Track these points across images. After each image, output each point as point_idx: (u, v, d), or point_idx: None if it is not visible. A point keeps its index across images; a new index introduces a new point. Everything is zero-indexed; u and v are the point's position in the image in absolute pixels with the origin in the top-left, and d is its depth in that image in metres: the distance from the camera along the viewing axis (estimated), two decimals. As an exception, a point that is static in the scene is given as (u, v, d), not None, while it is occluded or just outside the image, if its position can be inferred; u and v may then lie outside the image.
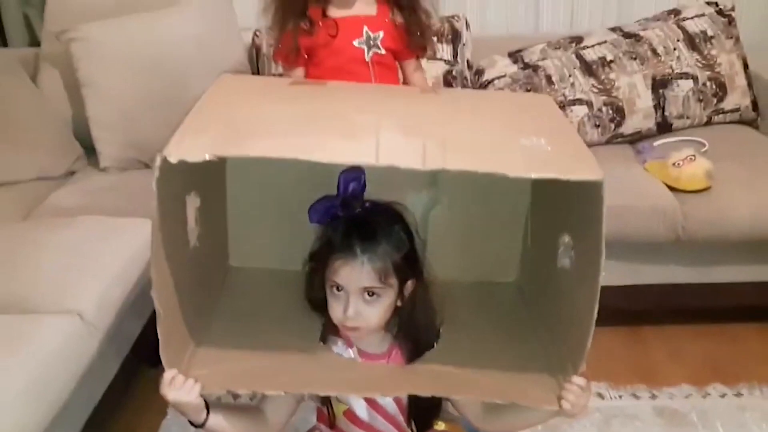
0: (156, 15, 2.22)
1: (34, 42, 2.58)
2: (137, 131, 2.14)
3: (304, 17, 1.59)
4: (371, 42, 1.59)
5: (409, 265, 1.16)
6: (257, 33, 2.40)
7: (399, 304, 1.17)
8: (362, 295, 1.11)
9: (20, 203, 2.00)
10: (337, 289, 1.12)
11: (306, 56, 1.61)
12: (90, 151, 2.24)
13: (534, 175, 0.98)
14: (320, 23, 1.58)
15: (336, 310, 1.13)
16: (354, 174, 1.12)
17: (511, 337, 1.28)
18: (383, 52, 1.61)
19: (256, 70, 2.37)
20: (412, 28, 1.60)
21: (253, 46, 2.40)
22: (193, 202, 1.17)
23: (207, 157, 0.93)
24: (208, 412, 1.07)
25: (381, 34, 1.60)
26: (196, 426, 1.08)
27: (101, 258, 1.64)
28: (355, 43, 1.58)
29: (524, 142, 1.04)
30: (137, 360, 1.86)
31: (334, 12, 1.60)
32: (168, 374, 1.03)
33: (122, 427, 1.78)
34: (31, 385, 1.28)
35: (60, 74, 2.28)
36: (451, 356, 1.19)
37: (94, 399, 1.60)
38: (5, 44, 2.59)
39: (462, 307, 1.33)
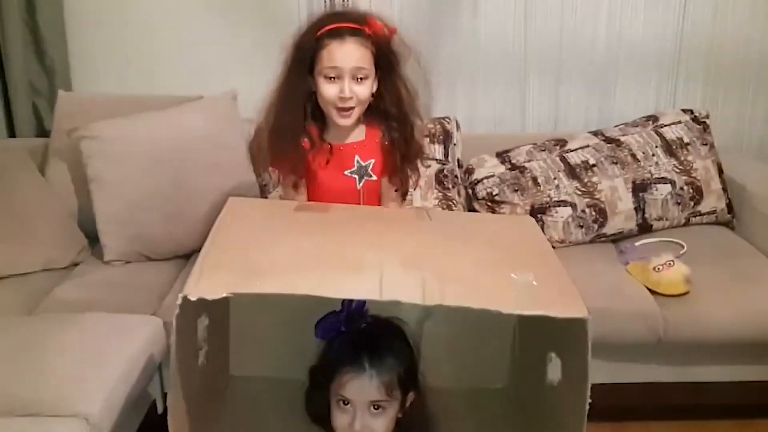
0: (164, 114, 2.33)
1: (42, 132, 2.67)
2: (142, 226, 2.22)
3: (305, 132, 1.55)
4: (362, 171, 1.56)
5: (410, 377, 1.23)
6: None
7: (400, 415, 1.24)
8: (369, 408, 1.18)
9: (26, 296, 2.04)
10: (344, 402, 1.19)
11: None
12: (93, 242, 2.31)
13: (525, 313, 1.06)
14: (317, 144, 1.54)
15: (342, 423, 1.19)
16: None
17: None
18: (375, 178, 1.57)
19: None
20: (401, 146, 1.55)
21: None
22: (202, 323, 1.24)
23: (224, 295, 1.01)
24: None
25: (372, 162, 1.56)
26: None
27: (106, 358, 1.69)
28: (347, 173, 1.55)
29: (514, 278, 1.13)
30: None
31: (328, 137, 1.57)
32: None
33: None
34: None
35: (68, 168, 2.36)
36: None
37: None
38: (13, 134, 2.67)
39: (454, 415, 1.40)
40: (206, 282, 1.05)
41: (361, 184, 1.56)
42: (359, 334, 1.22)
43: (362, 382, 1.17)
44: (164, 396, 2.08)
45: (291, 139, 1.52)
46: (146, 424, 1.95)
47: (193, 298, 1.02)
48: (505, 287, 1.12)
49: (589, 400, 1.11)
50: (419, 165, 1.63)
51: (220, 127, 2.36)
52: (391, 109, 1.53)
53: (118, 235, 2.23)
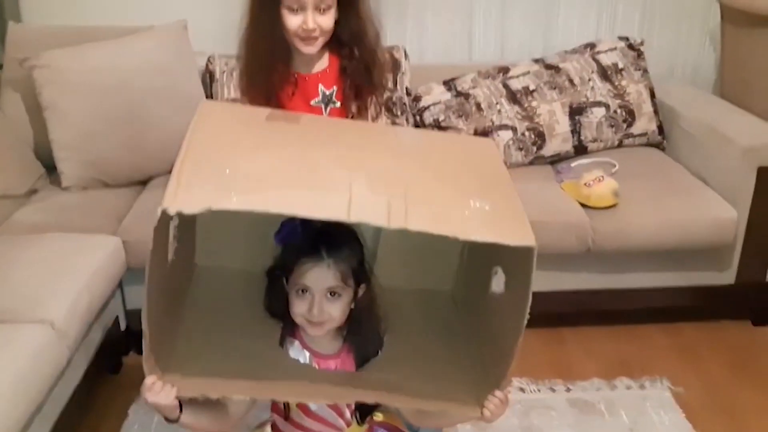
0: (116, 43, 2.37)
1: (-6, 65, 2.68)
2: (97, 152, 2.28)
3: (280, 64, 1.54)
4: (327, 99, 1.58)
5: (362, 270, 1.35)
6: (211, 59, 2.57)
7: (352, 306, 1.36)
8: (326, 295, 1.29)
9: (-14, 220, 2.12)
10: (303, 291, 1.30)
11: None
12: (51, 170, 2.37)
13: (480, 239, 1.12)
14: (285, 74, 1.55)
15: (301, 310, 1.30)
16: None
17: (445, 349, 1.43)
18: (339, 105, 1.59)
19: (210, 94, 2.53)
20: (361, 73, 1.56)
21: (207, 71, 2.56)
22: (173, 222, 1.29)
23: (202, 210, 1.07)
24: (180, 410, 1.21)
25: (335, 89, 1.58)
26: (170, 422, 1.23)
27: (69, 271, 1.79)
28: (312, 103, 1.57)
29: (472, 205, 1.20)
30: (99, 367, 2.01)
31: (294, 66, 1.57)
32: (148, 380, 1.17)
33: (86, 428, 1.92)
34: (12, 386, 1.43)
35: (21, 98, 2.40)
36: (392, 365, 1.36)
37: (61, 401, 1.74)
38: (-36, 68, 2.67)
39: (403, 315, 1.50)
40: (183, 195, 1.09)
41: (327, 112, 1.60)
42: (316, 231, 1.32)
43: (320, 270, 1.27)
44: (126, 313, 2.19)
45: (265, 69, 1.53)
46: (109, 340, 2.06)
47: (171, 212, 1.06)
48: (465, 213, 1.18)
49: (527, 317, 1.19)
50: (377, 97, 1.63)
51: (171, 56, 2.40)
52: (349, 36, 1.53)
53: (75, 161, 2.29)
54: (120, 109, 2.28)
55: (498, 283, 1.34)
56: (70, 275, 1.77)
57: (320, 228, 1.32)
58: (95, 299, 1.83)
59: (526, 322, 1.18)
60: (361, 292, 1.36)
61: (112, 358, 2.14)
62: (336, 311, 1.30)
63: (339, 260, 1.29)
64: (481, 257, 1.46)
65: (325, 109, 1.59)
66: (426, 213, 1.16)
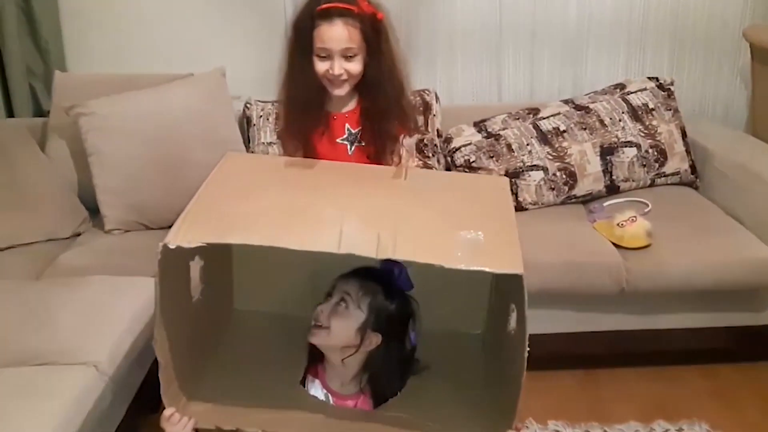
0: (157, 90, 2.45)
1: (38, 112, 2.79)
2: (139, 196, 2.36)
3: (320, 111, 1.62)
4: (353, 137, 1.65)
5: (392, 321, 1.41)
6: (248, 104, 2.65)
7: (357, 343, 1.39)
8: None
9: (32, 263, 2.18)
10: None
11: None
12: (93, 213, 2.44)
13: (465, 268, 1.17)
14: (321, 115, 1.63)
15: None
16: None
17: (467, 391, 1.46)
18: (363, 144, 1.65)
19: (246, 138, 2.60)
20: (381, 116, 1.61)
21: (244, 115, 2.64)
22: (197, 263, 1.38)
23: (201, 243, 1.18)
24: None
25: (360, 129, 1.65)
26: None
27: (111, 314, 1.84)
28: (338, 140, 1.64)
29: (463, 235, 1.26)
30: (140, 406, 2.04)
31: (329, 107, 1.64)
32: (167, 411, 1.24)
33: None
34: (58, 428, 1.47)
35: (67, 144, 2.49)
36: (411, 405, 1.39)
37: (104, 442, 1.78)
38: (11, 114, 2.78)
39: (429, 355, 1.53)
40: (184, 234, 1.21)
41: (352, 150, 1.66)
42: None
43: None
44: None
45: (299, 110, 1.60)
46: (150, 380, 2.09)
47: (172, 246, 1.18)
48: (453, 244, 1.24)
49: (528, 349, 1.21)
50: (401, 139, 1.66)
51: (209, 102, 2.49)
52: (374, 80, 1.59)
53: (117, 205, 2.36)
54: (161, 154, 2.35)
55: (513, 320, 1.37)
56: (112, 317, 1.82)
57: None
58: (137, 340, 1.87)
59: (526, 355, 1.20)
60: (376, 340, 1.39)
61: (152, 398, 2.16)
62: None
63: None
64: (503, 298, 1.48)
65: (351, 147, 1.65)
66: (414, 244, 1.22)
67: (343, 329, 1.37)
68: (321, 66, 1.54)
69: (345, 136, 1.64)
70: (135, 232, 2.37)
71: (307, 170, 1.51)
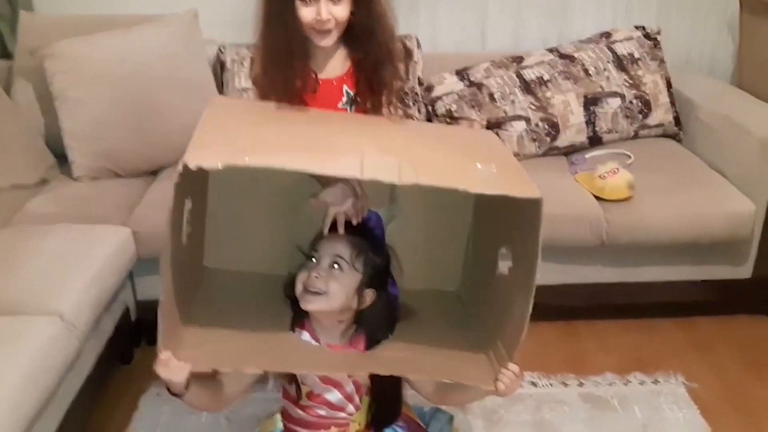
0: (126, 32, 2.35)
1: (4, 54, 2.67)
2: (108, 142, 2.28)
3: (298, 62, 1.47)
4: (351, 99, 1.53)
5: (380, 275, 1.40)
6: (221, 48, 2.55)
7: (355, 307, 1.36)
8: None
9: (-2, 210, 2.12)
10: None
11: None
12: (62, 160, 2.36)
13: (488, 192, 1.18)
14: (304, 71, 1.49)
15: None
16: None
17: (455, 333, 1.45)
18: (360, 102, 1.53)
19: (220, 83, 2.52)
20: (374, 67, 1.49)
21: (218, 60, 2.55)
22: (187, 205, 1.32)
23: (220, 167, 1.11)
24: (187, 387, 1.23)
25: (358, 90, 1.52)
26: (174, 395, 1.25)
27: (78, 263, 1.79)
28: (340, 105, 1.52)
29: (479, 166, 1.26)
30: (111, 357, 2.01)
31: (316, 67, 1.51)
32: (163, 355, 1.18)
33: (97, 418, 1.92)
34: (22, 378, 1.43)
35: (33, 87, 2.39)
36: (404, 346, 1.37)
37: (72, 392, 1.74)
38: (-25, 56, 2.67)
39: (413, 308, 1.51)
40: (203, 154, 1.13)
41: (352, 111, 1.55)
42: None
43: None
44: (137, 304, 2.18)
45: (283, 66, 1.46)
46: (120, 331, 2.06)
47: (192, 167, 1.10)
48: (472, 172, 1.25)
49: (537, 277, 1.22)
50: (392, 91, 1.54)
51: (181, 46, 2.39)
52: (363, 28, 1.47)
53: (85, 151, 2.28)
54: (130, 99, 2.27)
55: (504, 262, 1.37)
56: (79, 266, 1.77)
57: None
58: (105, 290, 1.83)
59: (535, 285, 1.22)
60: (371, 297, 1.37)
61: (122, 349, 2.14)
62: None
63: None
64: (486, 248, 1.47)
65: (350, 109, 1.55)
66: (435, 171, 1.22)
67: (341, 293, 1.33)
68: (307, 12, 1.41)
69: (345, 100, 1.54)
70: (104, 180, 2.30)
71: (304, 113, 1.45)
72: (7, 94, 2.41)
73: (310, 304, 1.33)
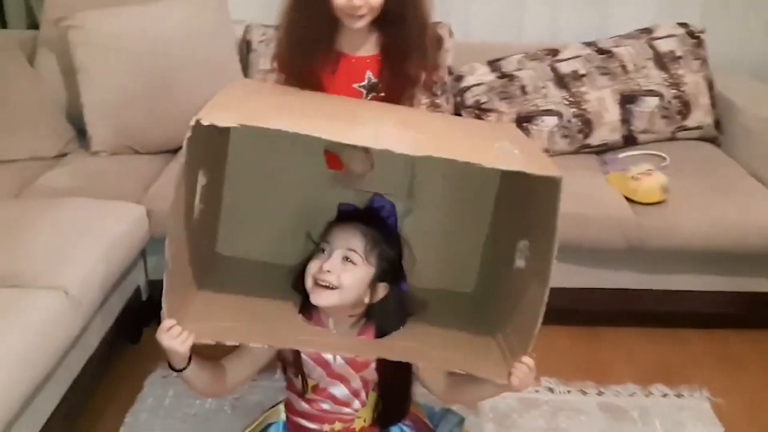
0: (151, 6, 2.31)
1: (33, 25, 2.66)
2: (128, 117, 2.24)
3: (330, 49, 1.43)
4: (372, 86, 1.46)
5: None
6: (248, 28, 2.50)
7: (367, 301, 1.30)
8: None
9: (13, 181, 2.09)
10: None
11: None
12: (82, 134, 2.33)
13: (505, 167, 1.13)
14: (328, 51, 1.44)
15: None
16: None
17: (469, 328, 1.39)
18: (383, 95, 1.47)
19: (246, 64, 2.46)
20: (401, 56, 1.43)
21: (244, 40, 2.50)
22: (201, 180, 1.28)
23: (234, 124, 1.08)
24: (188, 362, 1.19)
25: (383, 77, 1.46)
26: (175, 370, 1.20)
27: (88, 238, 1.75)
28: (355, 86, 1.46)
29: (497, 145, 1.22)
30: (118, 337, 1.98)
31: (340, 46, 1.45)
32: (167, 323, 1.14)
33: (100, 397, 1.88)
34: (20, 353, 1.39)
35: (57, 59, 2.37)
36: (414, 338, 1.32)
37: (75, 370, 1.70)
38: (5, 26, 2.66)
39: (425, 306, 1.44)
40: (219, 114, 1.10)
41: (368, 99, 1.49)
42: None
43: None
44: (148, 283, 2.14)
45: (307, 45, 1.41)
46: (130, 310, 2.02)
47: (205, 123, 1.06)
48: (490, 149, 1.22)
49: (555, 261, 1.16)
50: (414, 86, 1.48)
51: (208, 23, 2.34)
52: (396, 13, 1.39)
53: (105, 125, 2.25)
54: (153, 75, 2.23)
55: (522, 255, 1.31)
56: (88, 242, 1.73)
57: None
58: (114, 268, 1.79)
59: (551, 273, 1.15)
60: (383, 291, 1.31)
61: (132, 329, 2.10)
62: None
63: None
64: (504, 246, 1.40)
65: (367, 95, 1.48)
66: (452, 145, 1.19)
67: (354, 288, 1.27)
68: None
69: (364, 83, 1.47)
70: (122, 156, 2.26)
71: (320, 95, 1.42)
72: (31, 65, 2.39)
73: (321, 299, 1.27)
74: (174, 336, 1.14)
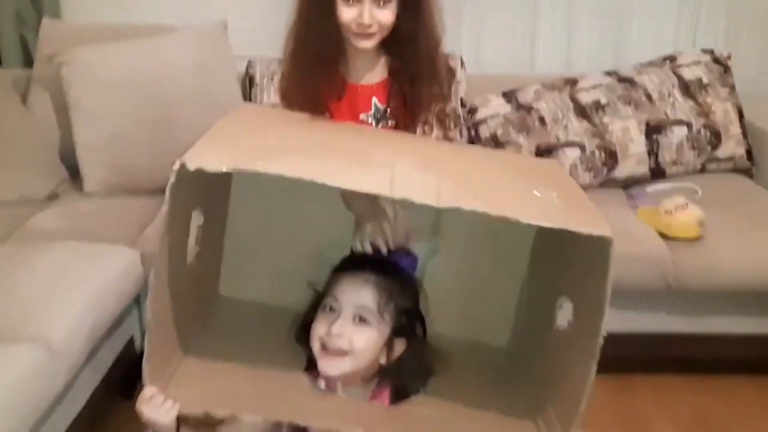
0: (149, 41, 2.23)
1: (29, 63, 2.57)
2: (123, 156, 2.13)
3: (330, 65, 1.35)
4: (380, 114, 1.38)
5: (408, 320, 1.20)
6: (251, 63, 2.40)
7: (383, 362, 1.16)
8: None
9: (0, 224, 1.96)
10: None
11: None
12: (75, 173, 2.22)
13: (547, 224, 0.98)
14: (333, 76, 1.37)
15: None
16: None
17: (499, 395, 1.25)
18: (392, 122, 1.39)
19: (248, 99, 2.36)
20: (410, 80, 1.34)
21: (246, 75, 2.40)
22: (196, 220, 1.16)
23: (224, 169, 0.95)
24: None
25: (392, 105, 1.38)
26: None
27: (76, 284, 1.61)
28: (362, 116, 1.38)
29: (537, 193, 1.07)
30: (110, 391, 1.82)
31: (346, 73, 1.38)
32: (148, 391, 1.02)
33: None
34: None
35: (50, 97, 2.27)
36: (436, 404, 1.17)
37: (60, 428, 1.55)
38: (0, 65, 2.58)
39: (450, 363, 1.30)
40: (208, 155, 0.98)
41: (378, 128, 1.41)
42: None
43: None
44: (143, 333, 1.99)
45: (312, 68, 1.33)
46: (123, 362, 1.87)
47: (191, 168, 0.95)
48: (527, 199, 1.05)
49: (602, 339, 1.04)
50: (426, 112, 1.38)
51: (209, 57, 2.25)
52: (406, 36, 1.32)
53: (99, 164, 2.14)
54: (150, 112, 2.12)
55: (564, 316, 1.16)
56: (75, 288, 1.59)
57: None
58: (104, 316, 1.65)
59: (601, 341, 1.03)
60: (400, 347, 1.18)
61: (125, 383, 1.94)
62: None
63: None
64: (544, 297, 1.26)
65: (376, 125, 1.39)
66: (482, 195, 1.01)
67: (369, 350, 1.14)
68: (348, 13, 1.27)
69: (371, 112, 1.39)
70: (117, 197, 2.14)
71: (329, 122, 1.30)
72: (24, 104, 2.29)
73: (331, 369, 1.13)
74: (155, 406, 1.01)
